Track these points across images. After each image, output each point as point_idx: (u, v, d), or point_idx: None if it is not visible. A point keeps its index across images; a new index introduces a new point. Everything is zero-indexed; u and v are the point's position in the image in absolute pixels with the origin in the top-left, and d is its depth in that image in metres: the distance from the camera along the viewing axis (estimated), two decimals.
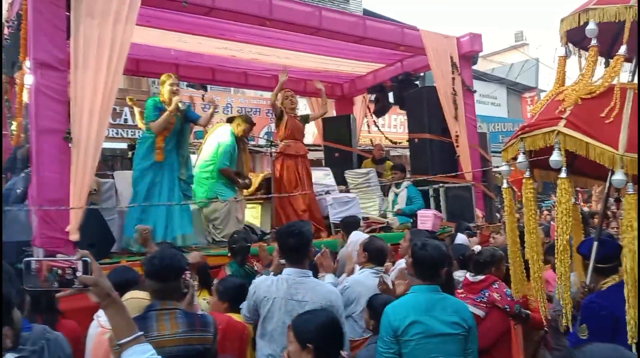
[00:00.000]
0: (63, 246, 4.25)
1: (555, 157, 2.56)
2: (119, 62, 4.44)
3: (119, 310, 1.54)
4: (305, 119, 6.49)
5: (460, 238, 4.98)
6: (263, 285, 2.71)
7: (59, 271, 1.42)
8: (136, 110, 6.37)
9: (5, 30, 5.74)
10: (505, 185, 3.12)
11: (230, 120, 6.11)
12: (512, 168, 3.09)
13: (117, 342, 1.49)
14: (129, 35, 4.52)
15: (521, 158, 2.79)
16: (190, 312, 2.31)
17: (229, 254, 4.17)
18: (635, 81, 2.95)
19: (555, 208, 2.83)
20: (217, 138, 5.76)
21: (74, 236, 4.25)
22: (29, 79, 4.50)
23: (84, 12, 4.37)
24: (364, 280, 3.45)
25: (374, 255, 3.58)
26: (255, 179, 6.54)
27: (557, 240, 2.63)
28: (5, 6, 5.73)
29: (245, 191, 6.30)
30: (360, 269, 3.62)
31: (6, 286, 1.12)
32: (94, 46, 4.36)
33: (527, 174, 2.84)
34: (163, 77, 5.24)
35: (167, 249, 2.71)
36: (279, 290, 2.65)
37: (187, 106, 5.39)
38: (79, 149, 4.26)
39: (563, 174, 2.59)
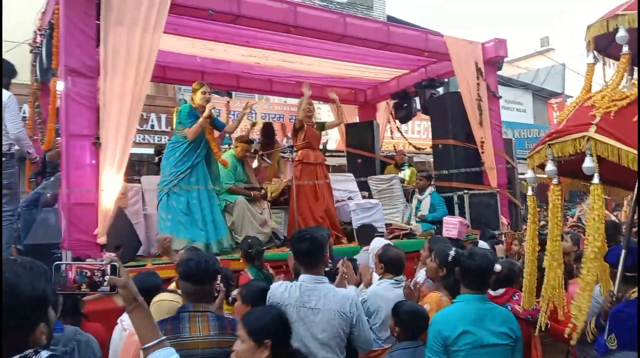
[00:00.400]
0: (91, 249, 4.35)
1: (588, 163, 2.50)
2: (147, 70, 4.55)
3: (144, 314, 1.57)
4: (322, 126, 6.50)
5: (483, 246, 4.93)
6: (277, 291, 2.69)
7: (88, 274, 1.47)
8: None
9: (38, 39, 5.92)
10: (530, 192, 3.05)
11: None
12: (537, 175, 3.04)
13: (141, 347, 1.52)
14: (156, 43, 4.63)
15: (550, 164, 2.73)
16: (221, 315, 2.35)
17: (243, 258, 4.15)
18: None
19: (586, 215, 2.78)
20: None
21: (102, 239, 4.35)
22: (60, 86, 4.63)
23: (114, 21, 4.48)
24: (382, 292, 3.37)
25: (390, 265, 3.50)
26: (279, 185, 6.58)
27: (586, 247, 2.58)
28: (37, 15, 5.91)
29: (268, 195, 6.37)
30: (379, 280, 3.58)
31: (41, 283, 1.15)
32: (123, 54, 4.48)
33: (555, 181, 2.78)
34: (195, 85, 5.33)
35: (203, 253, 2.75)
36: (291, 296, 2.62)
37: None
38: (108, 154, 4.38)
39: (596, 180, 2.53)
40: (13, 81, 7.81)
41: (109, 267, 1.49)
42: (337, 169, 10.18)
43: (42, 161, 6.14)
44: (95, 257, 4.36)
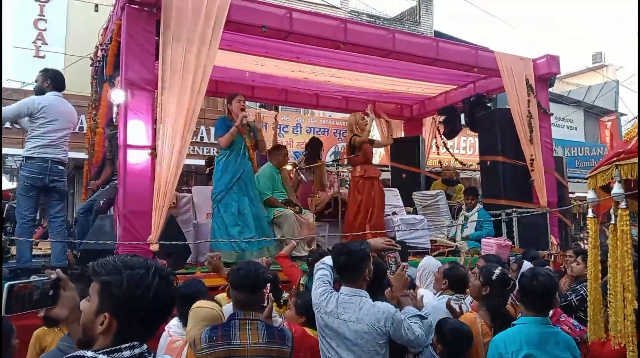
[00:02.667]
0: (144, 256, 4.48)
1: None
2: (202, 84, 4.71)
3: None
4: (372, 143, 6.52)
5: (527, 267, 4.81)
6: (319, 296, 2.72)
7: (37, 291, 1.43)
8: None
9: (99, 53, 6.22)
10: (590, 214, 2.89)
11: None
12: (599, 197, 2.91)
13: None
14: (212, 59, 4.79)
15: (617, 187, 2.58)
16: (269, 324, 2.40)
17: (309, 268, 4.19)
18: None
19: None
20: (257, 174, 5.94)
21: (154, 247, 4.48)
22: (116, 95, 4.84)
23: (172, 37, 4.66)
24: (443, 307, 3.34)
25: (455, 282, 3.53)
26: (323, 198, 6.63)
27: None
28: (100, 31, 6.22)
29: (313, 208, 6.43)
30: (439, 294, 3.57)
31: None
32: (180, 68, 4.64)
33: (623, 204, 2.60)
34: (230, 97, 5.50)
35: (253, 262, 2.82)
36: (328, 306, 2.64)
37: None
38: (163, 165, 4.52)
39: None
40: (74, 92, 8.18)
41: (52, 282, 1.47)
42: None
43: (98, 169, 6.42)
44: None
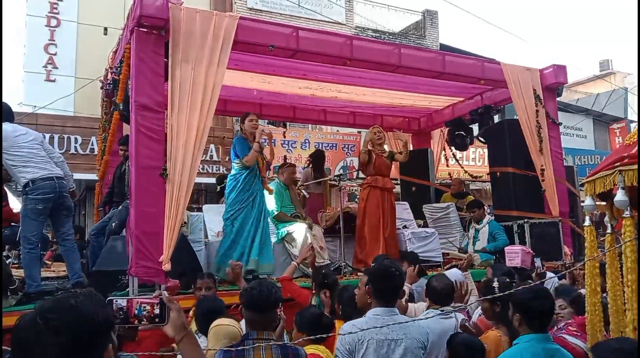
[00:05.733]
0: (156, 275, 4.51)
1: None
2: (211, 104, 4.76)
3: (192, 342, 1.69)
4: (392, 157, 6.55)
5: (550, 276, 4.78)
6: (354, 328, 2.63)
7: (147, 308, 1.59)
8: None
9: (109, 76, 6.31)
10: (587, 222, 2.73)
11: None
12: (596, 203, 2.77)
13: None
14: (220, 79, 4.84)
15: (620, 194, 2.42)
16: (283, 344, 2.40)
17: (315, 288, 4.15)
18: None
19: None
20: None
21: (167, 266, 4.49)
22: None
23: (180, 58, 4.72)
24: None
25: (436, 296, 3.42)
26: (333, 213, 6.64)
27: None
28: (109, 54, 6.31)
29: (323, 224, 6.45)
30: (426, 311, 3.52)
31: (103, 309, 1.25)
32: (189, 89, 4.69)
33: (626, 213, 2.45)
34: (243, 117, 5.56)
35: (265, 281, 2.82)
36: (370, 331, 2.57)
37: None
38: (174, 185, 4.55)
39: None
40: (84, 114, 8.21)
41: (159, 302, 1.61)
42: None
43: (109, 191, 6.47)
44: (161, 283, 4.53)
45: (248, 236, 5.17)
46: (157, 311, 1.59)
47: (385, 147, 6.88)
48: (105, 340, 1.21)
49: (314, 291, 4.03)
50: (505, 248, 5.84)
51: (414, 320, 2.68)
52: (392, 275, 2.70)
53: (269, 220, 5.68)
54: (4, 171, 5.34)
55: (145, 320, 1.59)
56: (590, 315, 2.65)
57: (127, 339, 2.84)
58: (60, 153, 5.38)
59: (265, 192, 5.58)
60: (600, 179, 2.58)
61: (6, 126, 4.58)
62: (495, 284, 3.15)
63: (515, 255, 5.40)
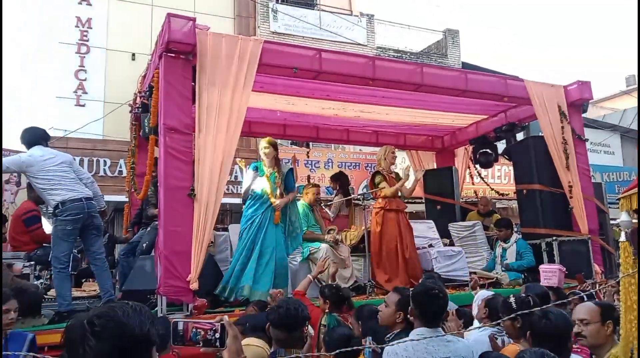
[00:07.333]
0: (184, 295, 4.56)
1: None
2: (236, 126, 4.85)
3: None
4: (399, 178, 6.55)
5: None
6: (398, 348, 2.62)
7: (202, 333, 1.67)
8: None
9: (138, 100, 6.48)
10: (623, 238, 2.68)
11: None
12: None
13: None
14: (245, 102, 4.94)
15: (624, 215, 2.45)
16: None
17: (330, 305, 4.04)
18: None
19: None
20: None
21: (194, 285, 4.55)
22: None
23: (207, 82, 4.84)
24: (485, 339, 3.29)
25: (494, 312, 3.46)
26: (358, 232, 6.64)
27: None
28: (138, 79, 6.50)
29: (348, 243, 6.44)
30: (481, 327, 3.51)
31: (147, 324, 1.28)
32: (215, 112, 4.80)
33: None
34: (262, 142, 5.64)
35: (292, 300, 2.85)
36: (417, 351, 2.57)
37: (289, 169, 5.70)
38: (201, 205, 4.63)
39: None
40: (114, 137, 8.41)
41: (219, 326, 1.69)
42: (415, 216, 10.09)
43: (138, 212, 6.60)
44: (189, 302, 4.58)
45: (241, 260, 5.19)
46: (210, 335, 1.67)
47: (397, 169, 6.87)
48: (142, 356, 1.25)
49: (327, 311, 3.96)
50: (541, 266, 5.75)
51: (459, 339, 2.68)
52: (435, 296, 2.71)
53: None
54: (36, 194, 5.52)
55: (200, 343, 1.67)
56: (625, 332, 2.56)
57: None
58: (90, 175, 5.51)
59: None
60: (635, 195, 2.57)
61: (35, 150, 4.75)
62: (512, 299, 3.11)
63: (552, 274, 5.30)
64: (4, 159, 4.63)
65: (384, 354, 2.68)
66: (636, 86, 25.69)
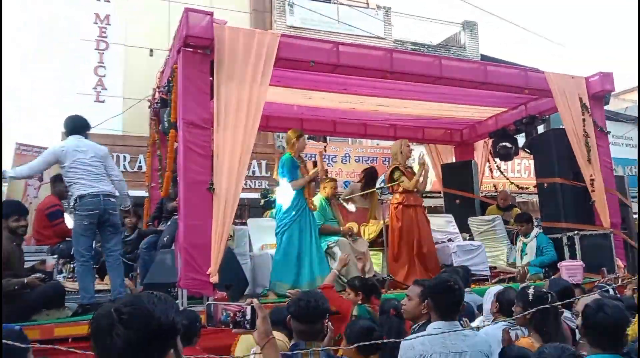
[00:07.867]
0: (204, 288, 4.61)
1: None
2: (254, 121, 4.86)
3: (274, 349, 1.82)
4: (413, 173, 6.52)
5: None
6: (415, 342, 2.62)
7: (231, 315, 1.74)
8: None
9: (156, 95, 6.54)
10: None
11: None
12: None
13: None
14: (263, 96, 4.95)
15: None
16: (331, 354, 2.41)
17: (362, 295, 4.13)
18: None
19: None
20: None
21: (214, 279, 4.58)
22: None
23: (225, 77, 4.85)
24: (497, 333, 3.27)
25: (506, 307, 3.42)
26: (376, 227, 6.62)
27: None
28: (157, 74, 6.55)
29: (366, 237, 6.44)
30: (493, 321, 3.48)
31: (172, 313, 1.30)
32: (234, 106, 4.81)
33: None
34: (290, 134, 5.63)
35: (312, 292, 2.85)
36: (434, 345, 2.56)
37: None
38: (220, 199, 4.66)
39: None
40: (133, 133, 8.47)
41: (249, 308, 1.75)
42: (433, 210, 10.01)
43: (158, 206, 6.67)
44: (209, 295, 4.62)
45: (300, 252, 5.26)
46: (239, 317, 1.73)
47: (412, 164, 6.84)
48: (168, 344, 1.27)
49: (360, 302, 4.01)
50: (564, 263, 5.69)
51: (476, 333, 2.66)
52: (450, 289, 2.71)
53: None
54: (59, 189, 5.57)
55: (231, 324, 1.73)
56: None
57: None
58: None
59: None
60: None
61: (71, 139, 4.79)
62: (531, 291, 3.08)
63: (577, 271, 5.26)
64: (29, 164, 4.78)
65: (401, 347, 2.68)
66: None
